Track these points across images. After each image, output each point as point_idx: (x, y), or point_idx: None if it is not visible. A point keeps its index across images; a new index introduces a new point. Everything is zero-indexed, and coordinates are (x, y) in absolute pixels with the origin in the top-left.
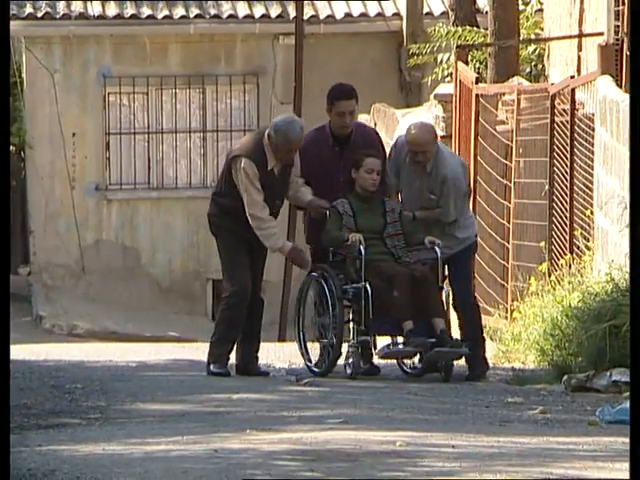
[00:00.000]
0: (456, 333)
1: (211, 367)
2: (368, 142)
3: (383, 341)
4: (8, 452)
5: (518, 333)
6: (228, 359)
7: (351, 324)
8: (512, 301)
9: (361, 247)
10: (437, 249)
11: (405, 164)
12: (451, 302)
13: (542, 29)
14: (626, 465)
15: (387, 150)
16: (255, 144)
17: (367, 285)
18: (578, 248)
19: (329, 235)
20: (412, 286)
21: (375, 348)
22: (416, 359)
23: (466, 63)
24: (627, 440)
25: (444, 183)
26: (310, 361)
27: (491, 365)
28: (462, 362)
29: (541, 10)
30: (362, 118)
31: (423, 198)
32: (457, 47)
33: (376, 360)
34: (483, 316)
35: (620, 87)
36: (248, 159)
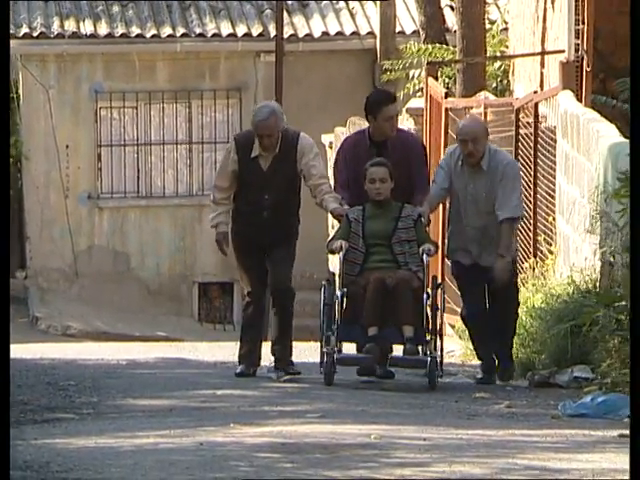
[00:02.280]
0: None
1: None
2: (407, 146)
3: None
4: (8, 446)
5: (464, 326)
6: (251, 360)
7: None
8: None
9: (340, 254)
10: (425, 257)
11: (457, 170)
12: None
13: (507, 47)
14: (587, 456)
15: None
16: (249, 131)
17: (338, 292)
18: (541, 252)
19: (329, 243)
20: (384, 293)
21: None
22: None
23: (436, 79)
24: (587, 432)
25: (505, 172)
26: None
27: (460, 362)
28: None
29: (506, 29)
30: (338, 131)
31: (481, 202)
32: (427, 64)
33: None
34: (452, 316)
35: (580, 101)
36: (235, 141)
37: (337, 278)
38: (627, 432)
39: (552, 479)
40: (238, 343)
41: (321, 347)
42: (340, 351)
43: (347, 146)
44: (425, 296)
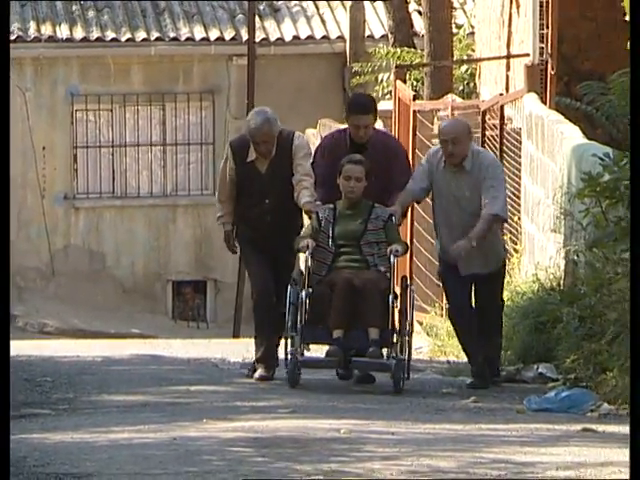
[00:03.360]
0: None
1: (255, 373)
2: (388, 149)
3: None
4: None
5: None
6: (270, 362)
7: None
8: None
9: (307, 253)
10: (392, 258)
11: (439, 170)
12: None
13: (473, 50)
14: (551, 450)
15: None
16: (244, 135)
17: (303, 292)
18: (507, 251)
19: (296, 241)
20: (351, 294)
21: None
22: None
23: (404, 82)
24: (551, 426)
25: (489, 172)
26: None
27: (427, 359)
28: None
29: (472, 33)
30: (309, 132)
31: (464, 203)
32: (396, 67)
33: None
34: (420, 314)
35: (545, 104)
36: (231, 146)
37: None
38: (590, 426)
39: (517, 472)
40: (253, 346)
41: (285, 347)
42: (303, 353)
43: (326, 144)
44: (392, 297)
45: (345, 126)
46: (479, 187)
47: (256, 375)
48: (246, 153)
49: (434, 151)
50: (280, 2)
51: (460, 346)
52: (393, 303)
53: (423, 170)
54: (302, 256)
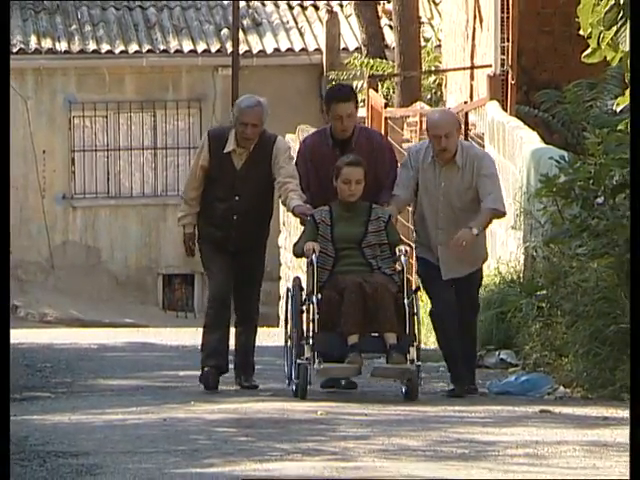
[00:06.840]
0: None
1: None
2: (373, 145)
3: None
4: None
5: (421, 318)
6: (211, 369)
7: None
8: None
9: (313, 257)
10: (403, 258)
11: (426, 168)
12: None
13: (440, 62)
14: (511, 430)
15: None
16: (222, 126)
17: (314, 298)
18: (487, 253)
19: (295, 246)
20: (363, 299)
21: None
22: None
23: (376, 90)
24: (511, 408)
25: (484, 165)
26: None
27: None
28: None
29: (439, 46)
30: (288, 138)
31: (455, 200)
32: (369, 77)
33: None
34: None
35: (505, 111)
36: (208, 135)
37: (304, 284)
38: (547, 408)
39: (480, 450)
40: (200, 350)
41: (286, 354)
42: (321, 362)
43: (307, 147)
44: (408, 302)
45: (324, 126)
46: (472, 181)
47: (202, 385)
48: (224, 144)
49: (416, 149)
50: (262, 17)
51: (441, 349)
52: (411, 307)
53: (407, 174)
54: (302, 261)
